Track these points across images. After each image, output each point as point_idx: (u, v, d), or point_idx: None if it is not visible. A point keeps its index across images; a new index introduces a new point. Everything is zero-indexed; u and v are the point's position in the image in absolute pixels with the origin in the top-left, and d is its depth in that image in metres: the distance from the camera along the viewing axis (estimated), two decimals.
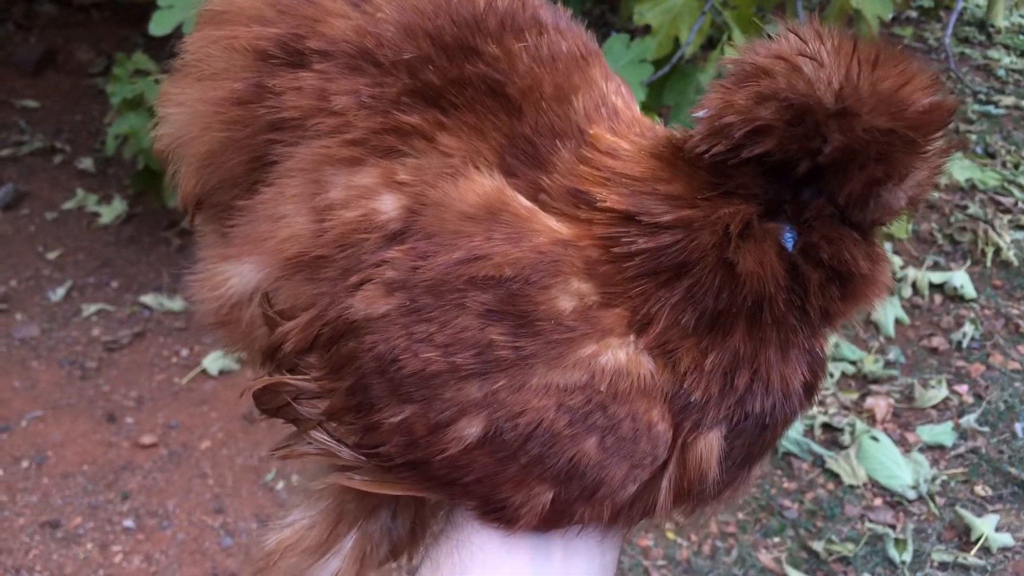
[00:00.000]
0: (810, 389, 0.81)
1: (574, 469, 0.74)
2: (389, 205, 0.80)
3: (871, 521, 2.86)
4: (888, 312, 3.63)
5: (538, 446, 0.73)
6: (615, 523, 0.80)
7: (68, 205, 4.13)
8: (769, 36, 0.71)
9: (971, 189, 4.39)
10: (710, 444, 0.77)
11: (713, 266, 0.73)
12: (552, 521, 0.77)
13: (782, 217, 0.73)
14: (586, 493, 0.75)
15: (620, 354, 0.73)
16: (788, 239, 0.73)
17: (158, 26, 2.84)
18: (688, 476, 0.78)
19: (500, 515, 0.77)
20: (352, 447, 0.81)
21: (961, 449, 3.11)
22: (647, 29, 3.47)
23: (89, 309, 3.53)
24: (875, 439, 3.06)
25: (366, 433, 0.79)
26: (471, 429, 0.73)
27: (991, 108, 5.08)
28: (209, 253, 0.89)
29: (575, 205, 0.78)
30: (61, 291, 3.62)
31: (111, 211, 4.07)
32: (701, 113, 0.73)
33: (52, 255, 3.83)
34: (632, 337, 0.74)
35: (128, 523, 2.72)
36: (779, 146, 0.69)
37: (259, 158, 0.87)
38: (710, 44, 3.54)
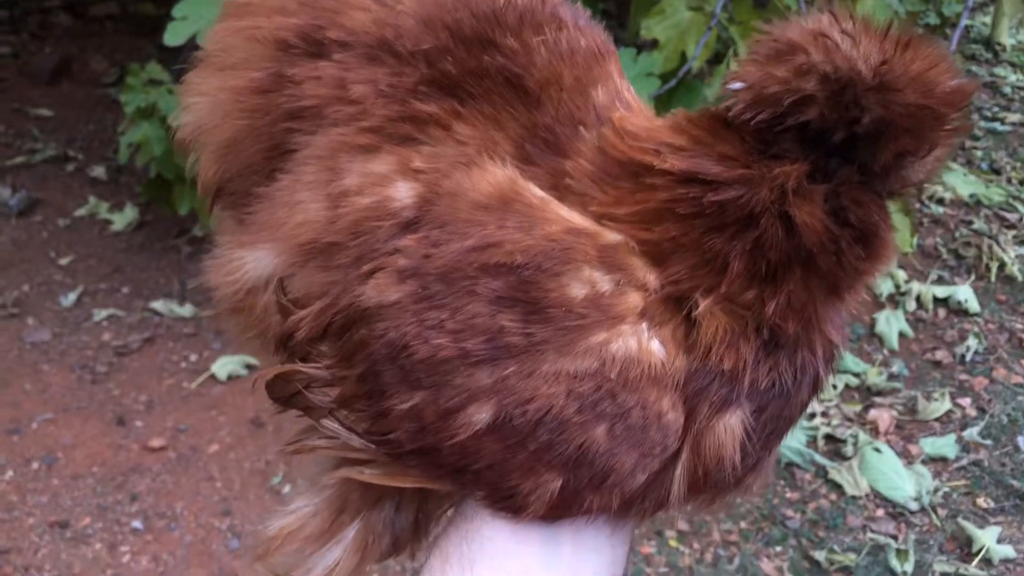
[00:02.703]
0: (832, 356, 0.82)
1: (583, 456, 0.74)
2: (403, 193, 0.81)
3: (873, 532, 2.87)
4: (892, 325, 3.65)
5: (547, 433, 0.73)
6: (626, 515, 0.80)
7: (80, 212, 4.18)
8: (800, 16, 0.75)
9: (976, 205, 4.41)
10: (730, 427, 0.77)
11: (775, 219, 0.75)
12: (561, 510, 0.77)
13: (815, 181, 0.76)
14: (595, 481, 0.75)
15: (631, 342, 0.74)
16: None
17: (172, 37, 2.89)
18: (704, 463, 0.78)
19: (509, 503, 0.77)
20: (362, 435, 0.81)
21: (963, 461, 3.12)
22: (654, 43, 3.51)
23: (100, 314, 3.57)
24: (878, 451, 3.07)
25: (376, 420, 0.79)
26: (481, 415, 0.74)
27: (997, 125, 5.11)
28: (226, 239, 0.90)
29: (617, 180, 0.79)
30: (72, 296, 3.67)
31: (123, 218, 4.12)
32: (737, 85, 0.75)
33: (64, 261, 3.88)
34: (644, 324, 0.75)
35: (136, 524, 2.75)
36: (820, 116, 0.73)
37: (278, 146, 0.89)
38: (716, 59, 3.57)
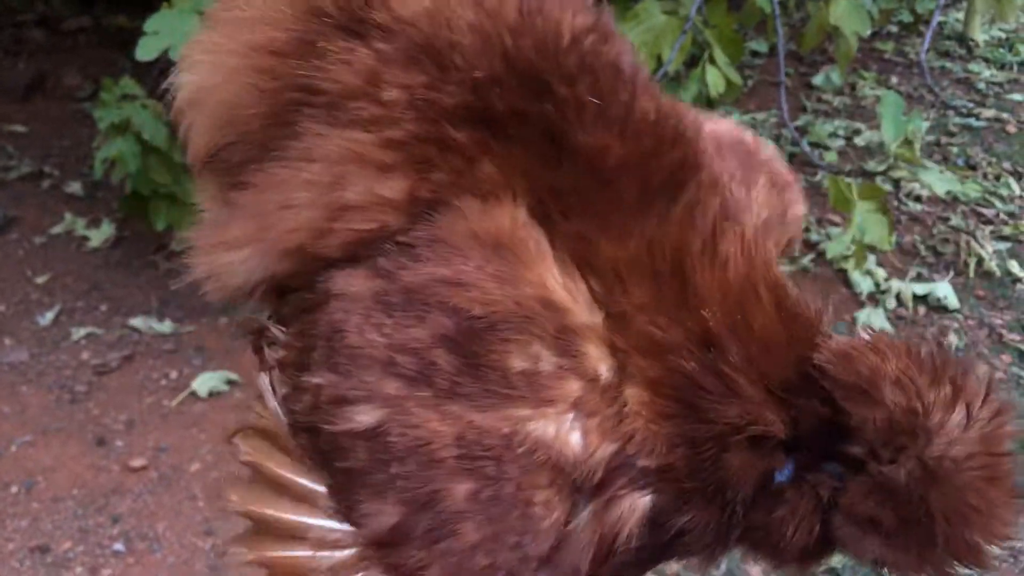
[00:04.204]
0: None
1: (431, 503, 0.70)
2: (404, 221, 0.79)
3: None
4: (873, 323, 3.66)
5: (414, 464, 0.70)
6: None
7: (57, 229, 4.14)
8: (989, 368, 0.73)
9: (953, 201, 4.43)
10: (637, 506, 0.77)
11: (715, 440, 0.75)
12: (385, 549, 0.73)
13: (793, 457, 0.76)
14: (429, 537, 0.70)
15: (550, 427, 0.71)
16: (780, 475, 0.76)
17: (144, 52, 2.86)
18: (603, 533, 0.75)
19: (348, 515, 0.76)
20: (280, 400, 0.84)
21: None
22: None
23: (78, 333, 3.54)
24: None
25: (293, 390, 0.82)
26: (364, 416, 0.72)
27: (972, 121, 5.14)
28: (208, 227, 0.87)
29: (663, 293, 0.77)
30: (50, 315, 3.63)
31: (100, 235, 4.08)
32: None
33: (41, 279, 3.84)
34: (572, 415, 0.72)
35: (118, 546, 2.72)
36: (860, 424, 0.71)
37: (280, 119, 0.81)
38: (692, 61, 3.58)
